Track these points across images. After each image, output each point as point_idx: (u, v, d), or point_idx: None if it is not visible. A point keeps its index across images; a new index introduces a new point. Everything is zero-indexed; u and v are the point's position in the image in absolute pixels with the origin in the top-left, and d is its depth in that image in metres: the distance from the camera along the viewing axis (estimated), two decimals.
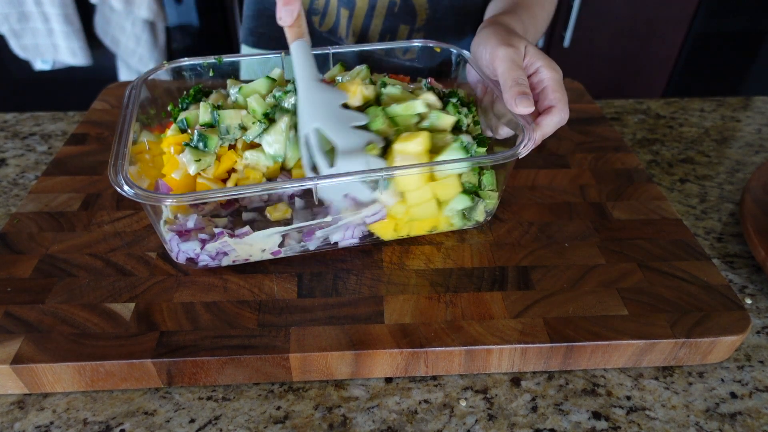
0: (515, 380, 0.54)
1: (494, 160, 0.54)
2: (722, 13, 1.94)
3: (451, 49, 0.71)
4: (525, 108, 0.56)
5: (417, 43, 0.74)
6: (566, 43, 1.89)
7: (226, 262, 0.58)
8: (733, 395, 0.53)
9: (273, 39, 0.96)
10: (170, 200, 0.49)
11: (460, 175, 0.59)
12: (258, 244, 0.57)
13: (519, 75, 0.58)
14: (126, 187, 0.50)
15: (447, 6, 0.87)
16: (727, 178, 0.81)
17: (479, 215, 0.61)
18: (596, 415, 0.51)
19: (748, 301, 0.62)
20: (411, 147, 0.56)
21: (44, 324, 0.53)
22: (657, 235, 0.65)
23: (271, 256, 0.59)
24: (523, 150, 0.54)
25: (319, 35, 0.91)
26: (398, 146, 0.56)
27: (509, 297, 0.57)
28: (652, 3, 1.87)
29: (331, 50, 0.70)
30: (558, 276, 0.60)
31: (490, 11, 0.79)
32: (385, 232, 0.60)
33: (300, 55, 0.60)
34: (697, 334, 0.53)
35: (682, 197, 0.78)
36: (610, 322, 0.54)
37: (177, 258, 0.57)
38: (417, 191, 0.57)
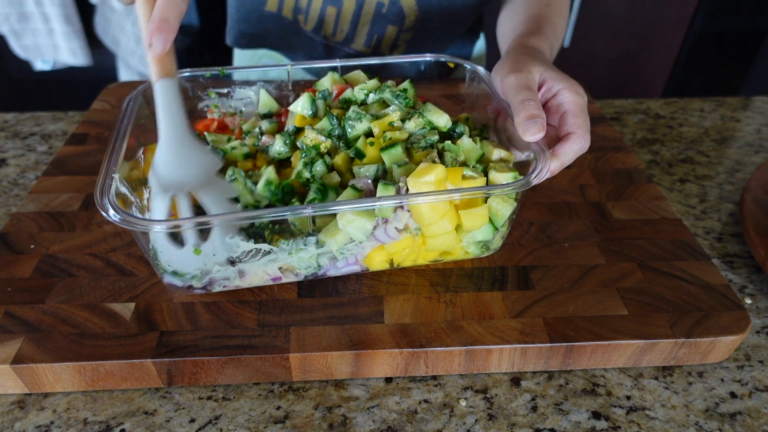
0: (515, 380, 0.54)
1: (504, 190, 0.51)
2: (722, 13, 1.94)
3: (466, 65, 0.68)
4: (533, 135, 0.53)
5: (429, 57, 0.70)
6: (566, 43, 1.89)
7: (218, 288, 0.56)
8: (733, 395, 0.53)
9: (262, 37, 0.95)
10: (158, 227, 0.47)
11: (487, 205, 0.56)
12: (254, 271, 0.54)
13: (526, 96, 0.54)
14: (111, 212, 0.47)
15: (435, 8, 0.86)
16: (727, 178, 0.81)
17: (496, 243, 0.60)
18: (596, 415, 0.51)
19: (748, 301, 0.62)
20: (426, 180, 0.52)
21: (44, 324, 0.53)
22: (657, 235, 0.65)
23: (272, 282, 0.57)
24: (535, 179, 0.51)
25: (305, 35, 0.90)
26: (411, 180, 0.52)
27: (509, 297, 0.57)
28: (652, 3, 1.87)
29: (339, 63, 0.69)
30: (558, 276, 0.60)
31: (510, 28, 0.75)
32: (382, 263, 0.57)
33: (166, 96, 0.52)
34: (696, 334, 0.53)
35: (682, 197, 0.78)
36: (610, 322, 0.54)
37: (163, 279, 0.55)
38: (439, 222, 0.53)
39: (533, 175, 0.51)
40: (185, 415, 0.51)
